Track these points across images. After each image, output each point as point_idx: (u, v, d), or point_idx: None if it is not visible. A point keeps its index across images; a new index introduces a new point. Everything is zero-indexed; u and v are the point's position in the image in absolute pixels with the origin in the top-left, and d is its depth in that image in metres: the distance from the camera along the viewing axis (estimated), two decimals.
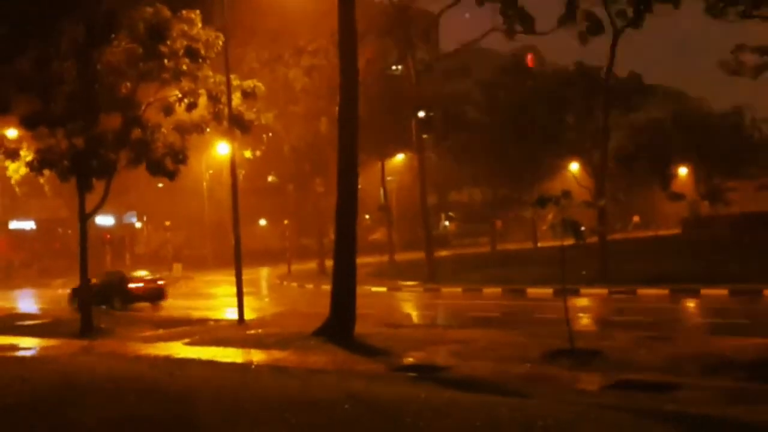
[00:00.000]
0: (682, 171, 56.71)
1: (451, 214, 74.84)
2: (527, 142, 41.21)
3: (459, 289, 29.20)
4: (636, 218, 75.96)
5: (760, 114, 56.41)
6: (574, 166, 43.17)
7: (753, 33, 29.03)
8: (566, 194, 12.66)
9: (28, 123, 18.88)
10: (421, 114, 39.07)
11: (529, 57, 52.43)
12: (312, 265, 44.98)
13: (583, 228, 12.60)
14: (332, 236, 17.62)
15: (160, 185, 44.86)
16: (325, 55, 35.06)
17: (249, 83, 20.58)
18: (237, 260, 21.19)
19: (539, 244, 51.24)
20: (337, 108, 16.97)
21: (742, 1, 25.12)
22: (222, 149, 30.59)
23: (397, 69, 43.00)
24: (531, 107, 40.21)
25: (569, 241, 12.78)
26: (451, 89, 51.44)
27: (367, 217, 60.94)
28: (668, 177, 51.22)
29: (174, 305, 27.72)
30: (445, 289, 29.82)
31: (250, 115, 20.53)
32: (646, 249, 41.33)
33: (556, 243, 13.56)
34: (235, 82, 20.37)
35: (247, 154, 23.40)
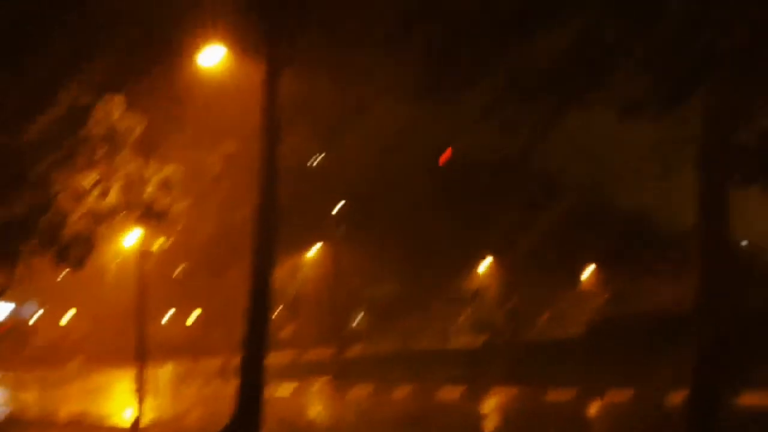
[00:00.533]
0: (591, 269, 58.39)
1: (362, 313, 74.49)
2: (440, 240, 41.90)
3: (371, 388, 28.80)
4: (545, 317, 77.22)
5: (671, 210, 58.42)
6: (488, 261, 43.98)
7: (667, 132, 30.32)
8: (477, 294, 12.87)
9: None
10: (339, 206, 39.39)
11: (444, 156, 53.75)
12: (222, 359, 43.62)
13: (493, 327, 12.79)
14: (243, 330, 17.23)
15: (65, 272, 43.14)
16: (247, 144, 35.11)
17: (166, 170, 20.37)
18: (140, 355, 20.43)
19: (452, 341, 51.35)
20: (255, 197, 16.85)
21: (654, 106, 26.38)
22: (133, 237, 29.85)
23: (316, 159, 43.26)
24: (443, 204, 41.09)
25: (480, 340, 12.91)
26: (370, 179, 52.02)
27: (278, 310, 59.98)
28: (577, 276, 52.71)
29: (71, 403, 26.29)
30: (357, 387, 29.35)
31: (164, 203, 20.23)
32: (556, 348, 41.95)
33: (468, 342, 13.69)
34: (152, 170, 20.13)
35: (157, 243, 22.92)
